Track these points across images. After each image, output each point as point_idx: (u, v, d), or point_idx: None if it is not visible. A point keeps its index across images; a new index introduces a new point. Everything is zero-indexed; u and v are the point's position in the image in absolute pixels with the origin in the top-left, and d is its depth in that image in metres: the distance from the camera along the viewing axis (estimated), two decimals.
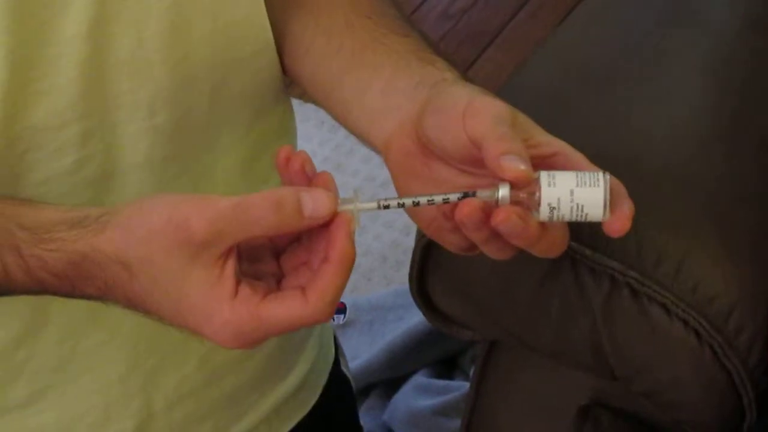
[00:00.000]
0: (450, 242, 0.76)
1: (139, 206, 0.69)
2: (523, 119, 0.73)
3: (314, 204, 0.67)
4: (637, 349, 0.88)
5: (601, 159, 0.72)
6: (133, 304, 0.71)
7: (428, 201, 0.70)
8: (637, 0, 1.12)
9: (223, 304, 0.67)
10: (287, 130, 1.01)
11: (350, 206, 0.69)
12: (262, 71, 0.91)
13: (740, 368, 0.85)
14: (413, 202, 0.70)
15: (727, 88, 0.99)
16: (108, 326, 0.91)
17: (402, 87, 0.80)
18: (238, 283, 0.68)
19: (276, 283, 0.71)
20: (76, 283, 0.71)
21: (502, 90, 1.02)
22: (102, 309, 0.79)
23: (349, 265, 0.68)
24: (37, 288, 0.73)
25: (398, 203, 0.70)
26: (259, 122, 0.94)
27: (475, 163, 0.73)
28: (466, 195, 0.69)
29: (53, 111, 0.79)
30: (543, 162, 0.71)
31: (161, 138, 0.85)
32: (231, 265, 0.67)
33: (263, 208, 0.66)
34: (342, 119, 0.87)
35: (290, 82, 0.94)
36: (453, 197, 0.69)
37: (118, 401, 0.95)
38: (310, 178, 0.71)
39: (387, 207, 0.70)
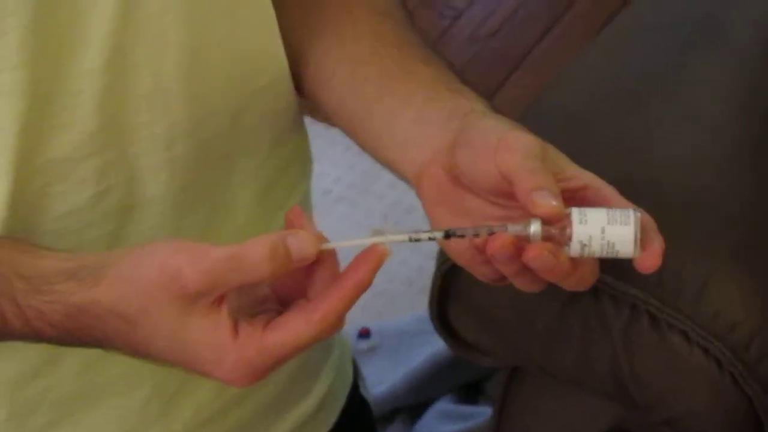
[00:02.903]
0: (481, 273, 0.76)
1: (133, 256, 0.69)
2: (554, 152, 0.73)
3: (299, 246, 0.67)
4: (657, 376, 0.88)
5: (622, 183, 0.72)
6: (135, 351, 0.71)
7: (459, 235, 0.70)
8: (661, 24, 1.12)
9: (227, 346, 0.67)
10: (303, 155, 1.01)
11: (381, 238, 0.69)
12: (278, 99, 0.91)
13: (762, 395, 0.85)
14: (444, 235, 0.70)
15: (750, 112, 0.99)
16: (127, 357, 0.91)
17: (434, 118, 0.80)
18: (236, 322, 0.68)
19: (276, 312, 0.71)
20: (74, 333, 0.72)
21: (526, 113, 1.03)
22: None
23: (360, 293, 0.68)
24: (34, 336, 0.74)
25: (429, 237, 0.70)
26: (276, 150, 0.94)
27: (506, 195, 0.73)
28: (497, 229, 0.69)
29: (72, 144, 0.79)
30: (573, 195, 0.71)
31: (180, 169, 0.85)
32: (225, 308, 0.67)
33: (257, 259, 0.66)
34: (370, 148, 0.87)
35: (316, 107, 0.94)
36: (484, 232, 0.69)
37: (137, 429, 0.95)
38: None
39: (417, 240, 0.70)
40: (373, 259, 0.68)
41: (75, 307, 0.70)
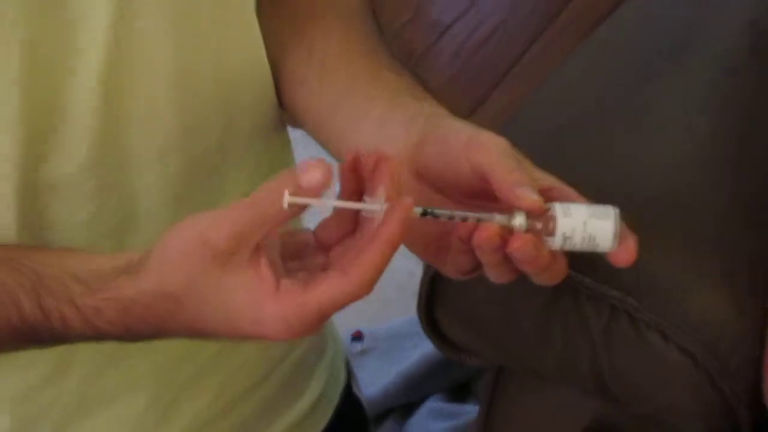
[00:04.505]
0: (453, 263, 0.77)
1: (162, 241, 0.70)
2: (521, 156, 0.75)
3: (306, 176, 0.67)
4: (637, 375, 0.89)
5: (600, 189, 0.74)
6: (190, 331, 0.72)
7: (462, 218, 0.71)
8: (639, 33, 1.13)
9: (267, 300, 0.68)
10: (287, 161, 1.02)
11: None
12: (265, 111, 0.92)
13: (735, 391, 0.86)
14: (449, 216, 0.71)
15: (730, 116, 1.00)
16: (127, 366, 0.92)
17: (398, 119, 0.81)
18: (278, 279, 0.68)
19: (321, 266, 0.71)
20: (131, 326, 0.72)
21: (503, 130, 1.03)
22: (122, 350, 0.80)
23: (393, 248, 0.68)
24: (94, 335, 0.74)
25: (438, 214, 0.71)
26: (264, 158, 0.95)
27: (472, 194, 0.75)
28: (485, 218, 0.71)
29: (70, 165, 0.80)
30: (542, 195, 0.72)
31: (173, 184, 0.86)
32: (264, 263, 0.68)
33: (273, 203, 0.66)
34: (335, 150, 0.87)
35: (286, 111, 0.96)
36: (485, 217, 0.71)
37: None
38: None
39: (429, 214, 0.71)
40: (399, 211, 0.67)
41: (128, 300, 0.71)
